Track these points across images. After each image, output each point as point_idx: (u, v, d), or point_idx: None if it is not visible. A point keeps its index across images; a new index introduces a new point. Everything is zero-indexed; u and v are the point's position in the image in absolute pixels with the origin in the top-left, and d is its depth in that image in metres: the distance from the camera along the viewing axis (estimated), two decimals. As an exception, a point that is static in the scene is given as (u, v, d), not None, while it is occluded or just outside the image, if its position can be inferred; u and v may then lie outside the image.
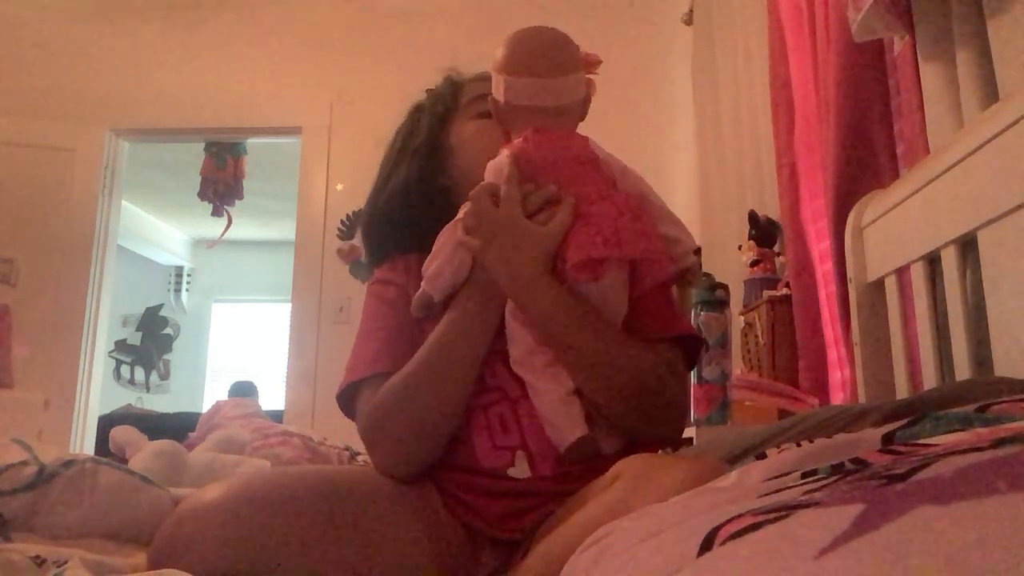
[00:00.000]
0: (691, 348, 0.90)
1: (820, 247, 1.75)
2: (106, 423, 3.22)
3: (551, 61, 0.82)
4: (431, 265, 0.83)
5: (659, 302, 0.88)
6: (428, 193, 0.95)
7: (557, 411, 0.79)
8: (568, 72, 0.82)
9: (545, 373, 0.80)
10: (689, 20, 3.06)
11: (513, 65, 0.83)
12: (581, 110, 0.86)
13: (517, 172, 0.80)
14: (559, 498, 0.77)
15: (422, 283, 0.84)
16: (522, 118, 0.83)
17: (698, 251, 0.86)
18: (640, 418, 0.80)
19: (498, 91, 0.84)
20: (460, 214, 0.83)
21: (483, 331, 0.82)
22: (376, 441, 0.83)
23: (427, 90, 1.03)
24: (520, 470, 0.81)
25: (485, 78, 0.96)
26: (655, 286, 0.84)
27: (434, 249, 0.85)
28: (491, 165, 0.83)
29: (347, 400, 0.90)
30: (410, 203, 0.96)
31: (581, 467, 0.79)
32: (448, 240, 0.83)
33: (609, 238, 0.76)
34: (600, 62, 0.85)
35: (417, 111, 1.02)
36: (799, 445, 0.48)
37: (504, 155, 0.82)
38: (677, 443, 0.89)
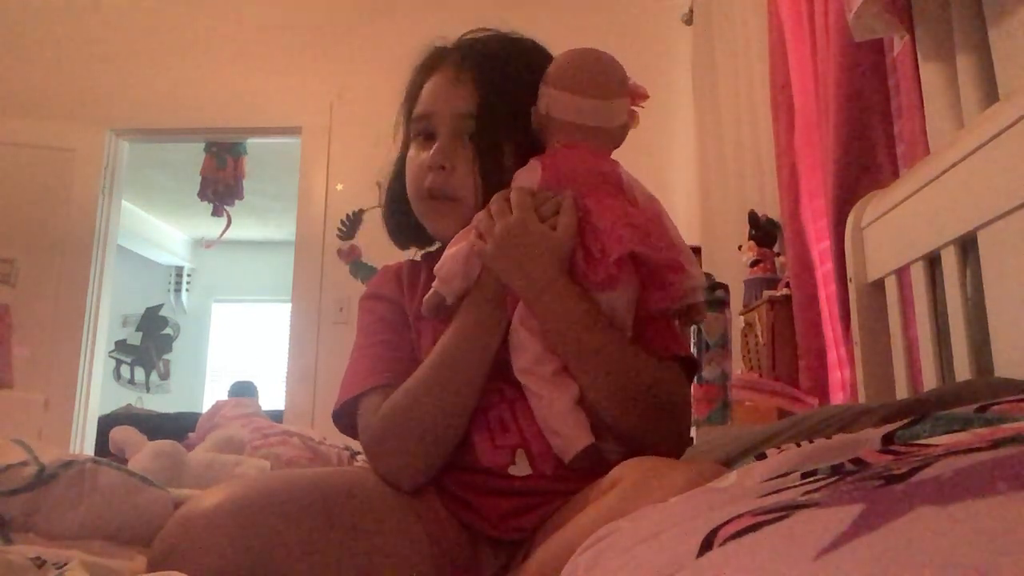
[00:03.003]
0: (687, 370, 0.90)
1: (820, 247, 1.75)
2: (106, 423, 3.22)
3: (597, 83, 0.86)
4: (443, 266, 0.83)
5: (659, 322, 0.88)
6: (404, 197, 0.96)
7: (564, 421, 0.78)
8: (611, 97, 0.86)
9: (551, 382, 0.80)
10: (689, 20, 3.06)
11: (560, 80, 0.86)
12: (618, 136, 0.88)
13: (535, 179, 0.83)
14: (560, 497, 0.77)
15: (434, 283, 0.83)
16: (560, 132, 0.86)
17: (715, 287, 0.88)
18: (647, 432, 0.79)
19: (541, 102, 0.86)
20: (474, 221, 0.83)
21: (490, 339, 0.82)
22: (380, 454, 0.83)
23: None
24: (520, 468, 0.81)
25: (427, 82, 0.93)
26: (658, 311, 0.85)
27: (446, 251, 0.84)
28: (521, 174, 0.85)
29: (343, 418, 0.89)
30: (396, 202, 0.98)
31: (582, 467, 0.79)
32: (461, 243, 0.83)
33: (643, 237, 0.79)
34: (647, 96, 0.88)
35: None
36: (799, 445, 0.48)
37: (536, 165, 0.84)
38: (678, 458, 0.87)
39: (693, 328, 1.61)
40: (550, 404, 0.79)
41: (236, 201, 4.39)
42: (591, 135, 0.85)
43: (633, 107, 0.89)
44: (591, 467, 0.77)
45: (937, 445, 0.36)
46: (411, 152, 0.93)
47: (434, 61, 0.95)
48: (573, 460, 0.78)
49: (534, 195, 0.82)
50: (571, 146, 0.85)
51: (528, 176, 0.84)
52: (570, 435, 0.78)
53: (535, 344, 0.81)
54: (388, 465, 0.82)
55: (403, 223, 0.98)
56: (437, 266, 0.83)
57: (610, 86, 0.87)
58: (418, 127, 0.92)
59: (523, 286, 0.79)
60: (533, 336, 0.81)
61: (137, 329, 6.72)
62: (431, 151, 0.89)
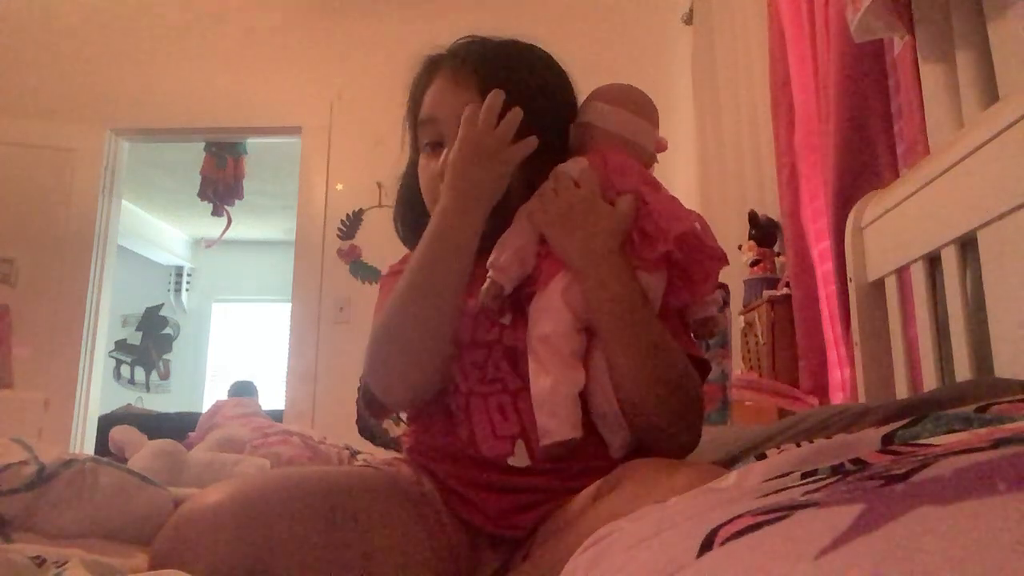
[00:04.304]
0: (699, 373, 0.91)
1: (820, 247, 1.75)
2: (106, 423, 3.22)
3: (645, 107, 0.93)
4: (500, 256, 0.83)
5: (674, 323, 0.88)
6: (413, 199, 0.96)
7: (562, 405, 0.78)
8: (653, 123, 0.93)
9: (565, 362, 0.80)
10: (689, 20, 3.06)
11: (608, 96, 0.92)
12: (648, 163, 0.92)
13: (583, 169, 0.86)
14: (560, 496, 0.77)
15: (490, 274, 0.83)
16: (601, 143, 0.89)
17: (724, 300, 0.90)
18: (673, 417, 0.79)
19: (586, 114, 0.91)
20: (537, 192, 0.86)
21: (464, 241, 0.82)
22: (371, 371, 0.85)
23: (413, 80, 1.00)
24: (519, 458, 0.81)
25: (434, 85, 0.93)
26: (677, 307, 0.86)
27: (500, 240, 0.85)
28: (566, 166, 0.87)
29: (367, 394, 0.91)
30: (407, 209, 0.99)
31: (583, 464, 0.79)
32: (517, 229, 0.85)
33: (697, 223, 0.83)
34: (666, 148, 0.93)
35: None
36: (799, 445, 0.48)
37: (582, 159, 0.87)
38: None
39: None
40: (555, 384, 0.79)
41: (236, 201, 4.39)
42: (630, 151, 0.89)
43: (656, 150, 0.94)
44: (591, 462, 0.77)
45: (937, 445, 0.36)
46: (421, 162, 0.93)
47: (431, 69, 0.94)
48: (551, 447, 0.78)
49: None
50: (615, 150, 0.88)
51: (575, 167, 0.86)
52: (561, 421, 0.78)
53: (567, 318, 0.81)
54: (376, 382, 0.84)
55: (417, 229, 0.96)
56: (492, 258, 0.83)
57: (653, 114, 0.93)
58: (425, 135, 0.92)
59: (581, 255, 0.81)
60: (569, 309, 0.81)
61: (137, 329, 6.72)
62: (440, 159, 0.88)
